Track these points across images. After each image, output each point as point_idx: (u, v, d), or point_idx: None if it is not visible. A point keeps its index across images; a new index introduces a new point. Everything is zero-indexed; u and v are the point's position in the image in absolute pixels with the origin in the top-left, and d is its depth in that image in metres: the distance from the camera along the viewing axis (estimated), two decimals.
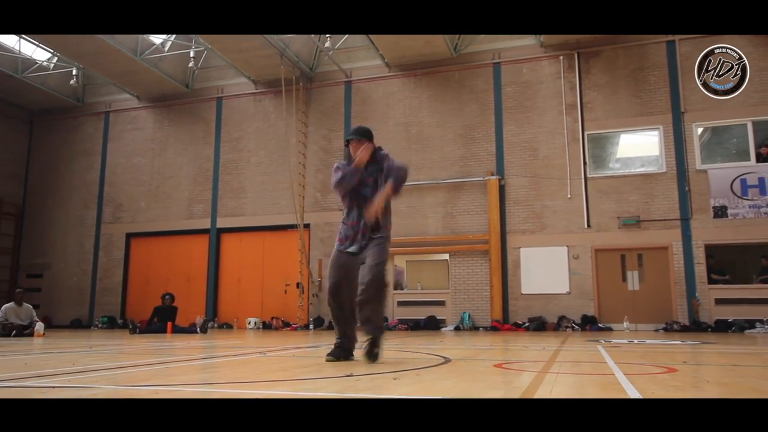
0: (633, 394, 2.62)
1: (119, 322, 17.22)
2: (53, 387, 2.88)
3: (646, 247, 14.00)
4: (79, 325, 17.77)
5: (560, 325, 13.80)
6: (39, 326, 10.52)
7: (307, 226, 16.47)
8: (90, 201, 18.88)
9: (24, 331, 10.49)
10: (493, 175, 15.05)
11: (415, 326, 14.73)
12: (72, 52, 16.16)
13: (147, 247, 18.28)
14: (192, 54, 16.91)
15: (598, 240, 14.24)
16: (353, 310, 4.45)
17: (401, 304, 15.51)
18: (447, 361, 4.62)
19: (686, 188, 13.76)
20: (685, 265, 13.59)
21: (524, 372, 3.65)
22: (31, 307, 11.36)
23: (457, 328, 14.48)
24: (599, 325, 13.60)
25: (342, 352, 4.51)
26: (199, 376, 3.59)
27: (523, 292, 14.56)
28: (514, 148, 15.13)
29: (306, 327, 15.54)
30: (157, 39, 17.14)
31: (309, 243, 16.48)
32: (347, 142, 4.58)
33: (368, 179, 4.50)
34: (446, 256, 15.49)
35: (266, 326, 16.14)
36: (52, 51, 16.73)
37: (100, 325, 17.21)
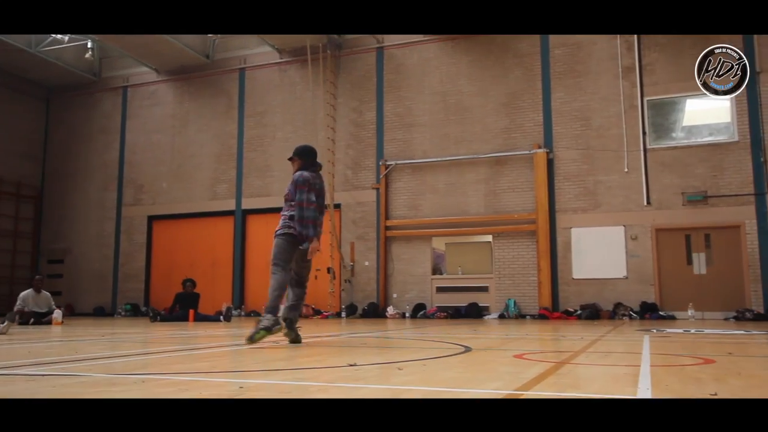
0: (643, 387, 2.66)
1: (143, 310, 17.90)
2: (43, 375, 3.10)
3: (714, 226, 13.65)
4: (102, 312, 18.56)
5: (616, 313, 13.65)
6: (57, 314, 11.07)
7: (337, 206, 16.67)
8: (109, 182, 19.57)
9: (42, 319, 11.06)
10: (540, 148, 14.88)
11: (455, 314, 14.82)
12: None
13: (169, 230, 18.88)
14: None
15: (659, 218, 13.96)
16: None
17: (440, 290, 15.62)
18: (467, 350, 4.71)
19: (761, 159, 13.31)
20: (760, 245, 13.20)
21: (541, 363, 3.71)
22: (49, 294, 11.94)
23: (501, 316, 14.50)
24: (660, 313, 13.39)
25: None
26: (196, 365, 3.79)
27: (574, 277, 14.45)
28: (563, 118, 14.90)
29: (338, 315, 15.83)
30: None
31: (340, 224, 16.69)
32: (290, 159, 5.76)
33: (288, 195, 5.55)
34: (489, 238, 15.47)
35: None
36: None
37: (123, 313, 17.93)
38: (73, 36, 18.40)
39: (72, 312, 17.95)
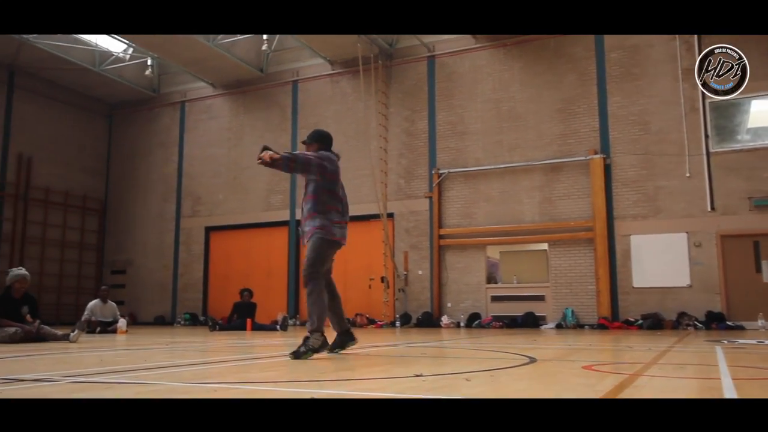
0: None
1: (201, 319, 18.27)
2: (119, 383, 3.17)
3: None
4: (163, 322, 19.05)
5: (680, 322, 13.18)
6: (122, 323, 11.43)
7: (390, 215, 16.68)
8: (168, 194, 20.12)
9: (108, 328, 11.43)
10: (596, 153, 14.55)
11: (511, 323, 14.60)
12: (145, 42, 17.23)
13: (226, 241, 19.25)
14: (265, 37, 17.51)
15: (724, 224, 13.44)
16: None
17: (495, 299, 15.41)
18: (532, 361, 4.60)
19: None
20: None
21: (613, 374, 3.58)
22: (114, 304, 12.34)
23: (558, 326, 14.21)
24: (728, 323, 12.86)
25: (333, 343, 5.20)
26: (262, 374, 3.81)
27: (634, 286, 14.03)
28: (620, 123, 14.54)
29: (392, 324, 15.80)
30: None
31: (393, 234, 16.69)
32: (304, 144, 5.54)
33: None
34: (545, 246, 15.19)
35: (350, 323, 16.44)
36: (126, 42, 17.92)
37: (182, 322, 18.35)
38: (133, 54, 19.04)
39: (134, 321, 18.47)
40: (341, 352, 5.28)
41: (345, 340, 5.26)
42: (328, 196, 5.14)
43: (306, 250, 5.06)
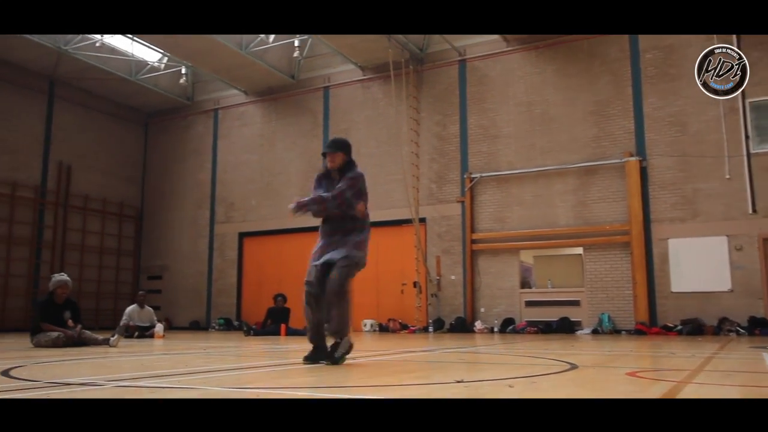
0: None
1: (235, 324, 18.44)
2: (162, 387, 3.20)
3: None
4: (198, 326, 19.28)
5: (721, 328, 12.85)
6: (159, 328, 11.62)
7: (422, 220, 16.63)
8: (203, 201, 20.39)
9: (145, 332, 11.63)
10: (632, 156, 14.31)
11: (546, 329, 14.41)
12: (180, 51, 17.52)
13: (259, 246, 19.41)
14: (297, 43, 17.65)
15: (767, 227, 13.08)
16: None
17: (529, 304, 15.24)
18: (573, 367, 4.52)
19: None
20: None
21: (660, 382, 3.50)
22: (152, 309, 12.56)
23: (594, 332, 13.98)
24: None
25: (317, 354, 5.08)
26: (303, 379, 3.82)
27: (673, 290, 13.73)
28: (656, 124, 14.28)
29: (425, 329, 15.74)
30: None
31: (425, 238, 16.64)
32: (324, 155, 5.19)
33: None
34: (580, 250, 14.98)
35: (383, 329, 16.52)
36: (162, 51, 18.24)
37: (217, 327, 18.55)
38: (168, 63, 19.37)
39: (170, 326, 18.72)
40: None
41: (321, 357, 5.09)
42: (367, 215, 5.17)
43: (340, 267, 4.98)
